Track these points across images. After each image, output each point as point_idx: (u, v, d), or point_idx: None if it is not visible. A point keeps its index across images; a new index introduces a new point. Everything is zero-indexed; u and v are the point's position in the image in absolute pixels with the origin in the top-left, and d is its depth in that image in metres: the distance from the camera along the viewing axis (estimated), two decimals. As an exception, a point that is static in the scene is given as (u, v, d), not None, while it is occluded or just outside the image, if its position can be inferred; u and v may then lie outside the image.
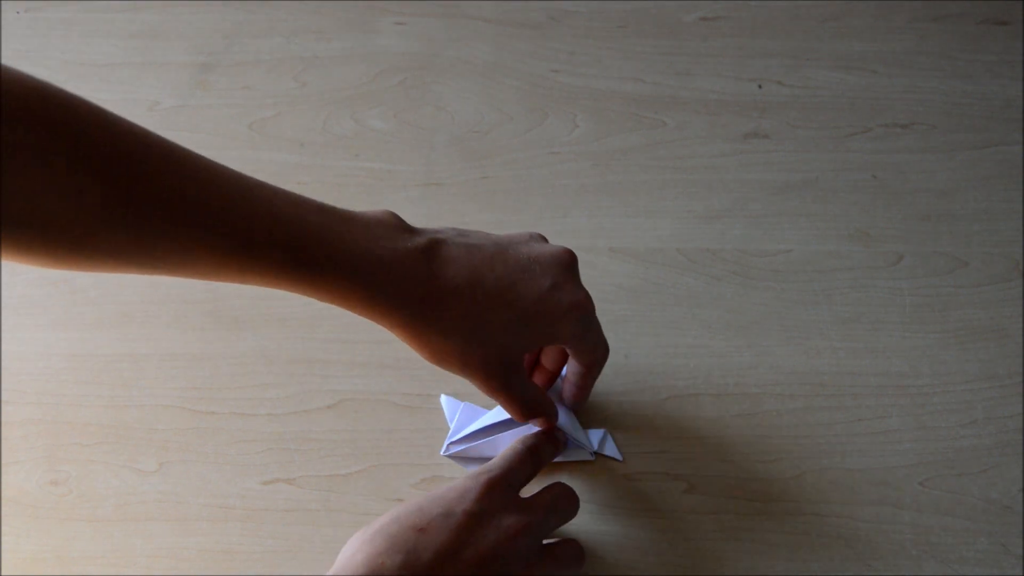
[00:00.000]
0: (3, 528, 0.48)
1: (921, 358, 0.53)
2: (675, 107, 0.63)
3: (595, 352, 0.45)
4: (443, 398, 0.51)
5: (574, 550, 0.45)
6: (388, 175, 0.61)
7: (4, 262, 0.35)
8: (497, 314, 0.41)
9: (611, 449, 0.50)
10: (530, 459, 0.44)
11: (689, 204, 0.59)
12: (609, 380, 0.52)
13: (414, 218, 0.59)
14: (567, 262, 0.43)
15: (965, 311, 0.55)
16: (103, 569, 0.47)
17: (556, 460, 0.49)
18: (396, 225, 0.40)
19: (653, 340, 0.54)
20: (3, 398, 0.52)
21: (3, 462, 0.50)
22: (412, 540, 0.38)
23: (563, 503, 0.44)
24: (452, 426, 0.50)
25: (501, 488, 0.41)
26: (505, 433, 0.48)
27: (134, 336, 0.54)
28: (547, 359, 0.48)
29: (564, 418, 0.48)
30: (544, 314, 0.41)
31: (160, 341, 0.54)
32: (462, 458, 0.50)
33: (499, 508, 0.40)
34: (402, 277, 0.39)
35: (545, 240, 0.45)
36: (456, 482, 0.42)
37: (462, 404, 0.51)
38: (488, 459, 0.47)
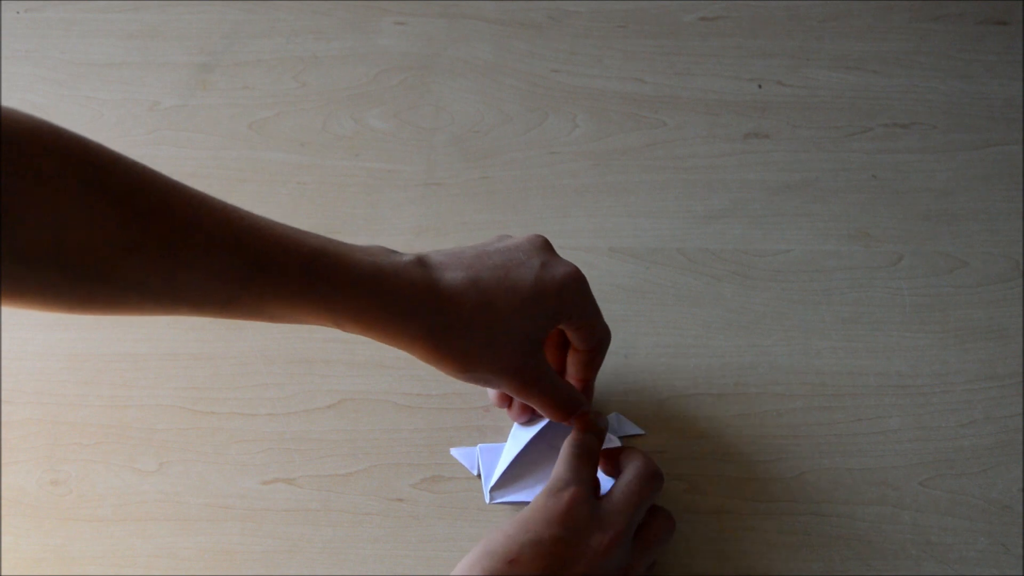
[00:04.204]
0: (3, 528, 0.48)
1: (921, 358, 0.53)
2: (675, 107, 0.63)
3: (598, 328, 0.45)
4: (453, 452, 0.50)
5: (662, 526, 0.44)
6: (388, 175, 0.61)
7: (29, 310, 0.35)
8: (505, 302, 0.41)
9: (631, 428, 0.50)
10: (587, 456, 0.44)
11: (689, 204, 0.59)
12: (609, 380, 0.52)
13: (414, 218, 0.59)
14: (543, 243, 0.44)
15: (965, 311, 0.55)
16: (103, 569, 0.47)
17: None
18: (383, 248, 0.41)
19: (653, 340, 0.54)
20: (3, 398, 0.52)
21: (3, 462, 0.50)
22: (506, 575, 0.38)
23: (647, 485, 0.43)
24: (482, 472, 0.49)
25: (581, 501, 0.41)
26: (545, 462, 0.47)
27: (134, 336, 0.54)
28: None
29: None
30: (545, 291, 0.42)
31: (160, 341, 0.54)
32: (513, 504, 0.48)
33: (585, 526, 0.40)
34: (408, 285, 0.40)
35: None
36: (537, 502, 0.41)
37: (477, 447, 0.49)
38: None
